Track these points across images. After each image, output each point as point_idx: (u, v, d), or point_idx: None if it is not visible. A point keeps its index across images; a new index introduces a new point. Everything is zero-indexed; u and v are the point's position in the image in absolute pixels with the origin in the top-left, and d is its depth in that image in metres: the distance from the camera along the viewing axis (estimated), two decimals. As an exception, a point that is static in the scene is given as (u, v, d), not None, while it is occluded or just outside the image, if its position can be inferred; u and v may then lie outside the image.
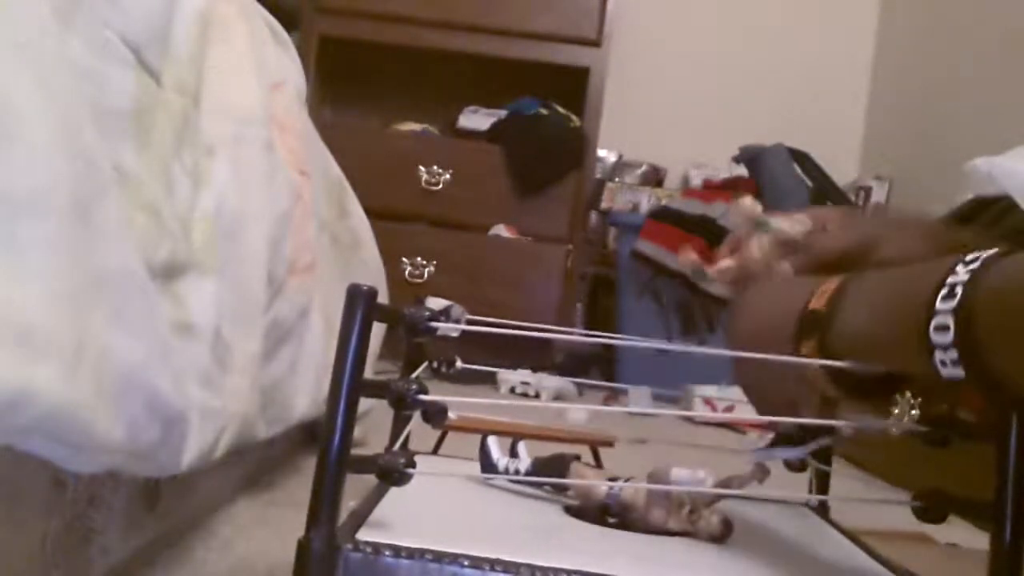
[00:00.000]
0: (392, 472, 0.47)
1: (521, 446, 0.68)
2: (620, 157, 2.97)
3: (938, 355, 0.45)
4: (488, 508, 0.62)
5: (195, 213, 0.64)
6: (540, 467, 0.64)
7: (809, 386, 0.55)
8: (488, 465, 0.66)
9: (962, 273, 0.46)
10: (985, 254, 0.46)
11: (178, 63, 0.64)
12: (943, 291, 0.46)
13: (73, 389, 0.38)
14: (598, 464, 0.92)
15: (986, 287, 0.44)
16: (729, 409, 2.01)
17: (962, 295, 0.45)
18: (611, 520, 0.60)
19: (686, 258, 0.75)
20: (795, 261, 0.65)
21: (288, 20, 1.06)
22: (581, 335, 2.03)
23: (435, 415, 0.49)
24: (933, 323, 0.45)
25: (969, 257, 0.46)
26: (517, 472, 0.64)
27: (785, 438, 0.58)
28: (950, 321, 0.44)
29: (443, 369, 0.67)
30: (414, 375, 0.57)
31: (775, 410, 0.59)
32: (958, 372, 0.45)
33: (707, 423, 2.03)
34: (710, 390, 2.11)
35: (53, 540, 0.50)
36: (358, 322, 0.45)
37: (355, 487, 0.50)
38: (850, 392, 0.54)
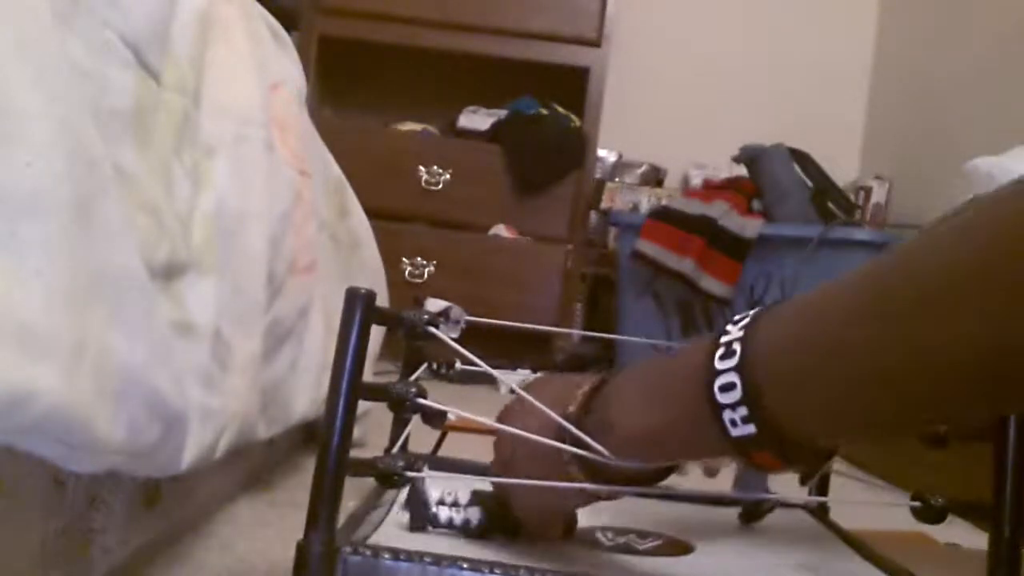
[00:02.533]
0: (391, 476, 0.47)
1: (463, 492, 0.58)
2: (620, 157, 2.97)
3: (727, 415, 0.43)
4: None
5: (195, 213, 0.64)
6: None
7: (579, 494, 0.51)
8: (420, 515, 0.56)
9: (734, 332, 0.44)
10: (753, 311, 0.44)
11: (178, 63, 0.64)
12: (719, 351, 0.43)
13: (73, 389, 0.38)
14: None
15: (762, 337, 0.43)
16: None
17: (741, 350, 0.42)
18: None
19: None
20: None
21: (288, 20, 1.06)
22: (581, 335, 2.03)
23: (434, 417, 0.49)
24: (717, 383, 0.43)
25: (736, 317, 0.45)
26: (467, 523, 0.56)
27: None
28: (735, 378, 0.42)
29: (442, 370, 0.67)
30: (413, 377, 0.57)
31: (553, 523, 0.55)
32: (749, 430, 0.42)
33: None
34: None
35: (53, 540, 0.50)
36: (356, 325, 0.45)
37: (355, 487, 0.50)
38: (627, 482, 0.52)
